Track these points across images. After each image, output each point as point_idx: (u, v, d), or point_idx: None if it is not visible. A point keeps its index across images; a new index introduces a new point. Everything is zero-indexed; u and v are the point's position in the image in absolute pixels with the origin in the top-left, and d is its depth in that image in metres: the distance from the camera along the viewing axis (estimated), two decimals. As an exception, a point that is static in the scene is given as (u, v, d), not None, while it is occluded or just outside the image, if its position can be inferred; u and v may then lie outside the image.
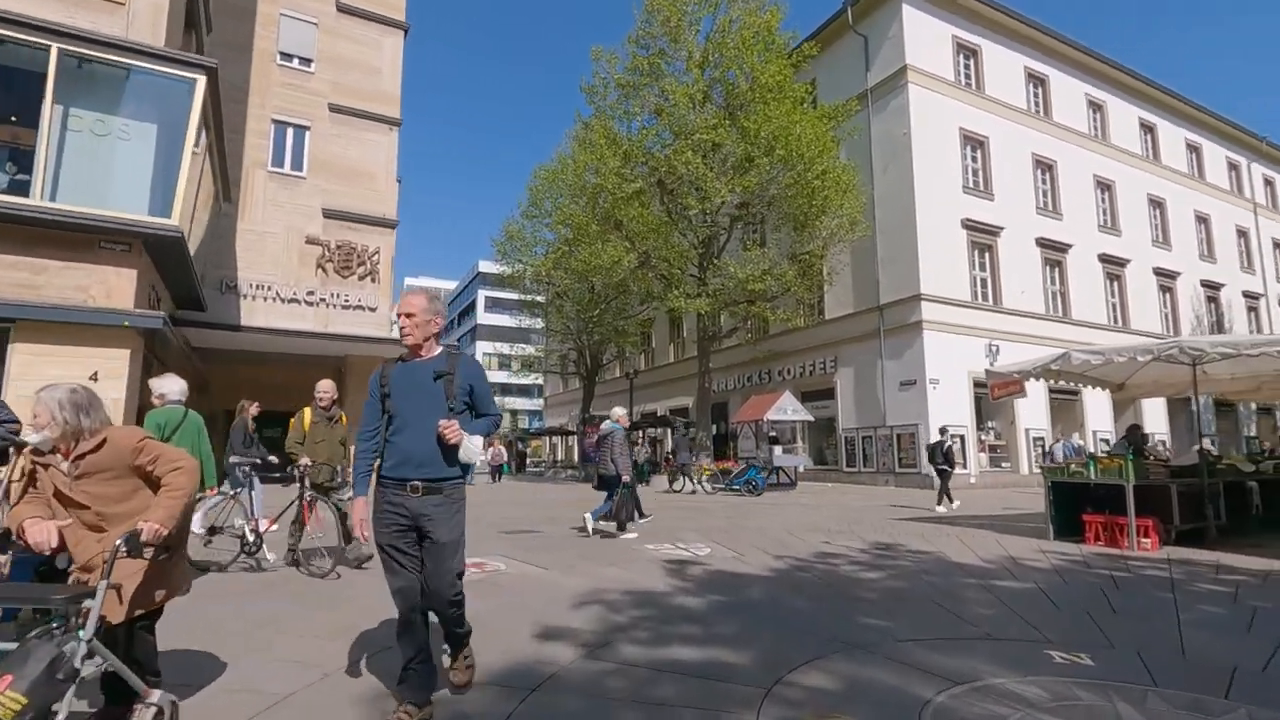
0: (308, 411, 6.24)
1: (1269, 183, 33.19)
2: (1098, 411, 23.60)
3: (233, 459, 7.02)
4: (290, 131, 19.13)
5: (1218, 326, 28.38)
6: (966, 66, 23.05)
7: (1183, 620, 4.44)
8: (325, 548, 6.13)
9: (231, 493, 6.58)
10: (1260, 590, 5.44)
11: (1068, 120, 25.10)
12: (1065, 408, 23.03)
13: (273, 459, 6.97)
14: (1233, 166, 31.50)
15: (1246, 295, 30.31)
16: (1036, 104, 24.62)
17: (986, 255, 22.10)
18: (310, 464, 6.00)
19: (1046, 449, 19.62)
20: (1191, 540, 8.05)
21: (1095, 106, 26.33)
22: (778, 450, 17.45)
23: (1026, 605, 4.84)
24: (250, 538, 6.08)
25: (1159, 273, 26.74)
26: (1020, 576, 5.92)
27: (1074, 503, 8.36)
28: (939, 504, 12.43)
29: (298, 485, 6.11)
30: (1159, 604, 4.95)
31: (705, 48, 18.72)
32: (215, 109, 13.11)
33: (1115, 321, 24.97)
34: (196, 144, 12.83)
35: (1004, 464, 21.46)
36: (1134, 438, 10.12)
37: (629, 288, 26.04)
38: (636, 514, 9.27)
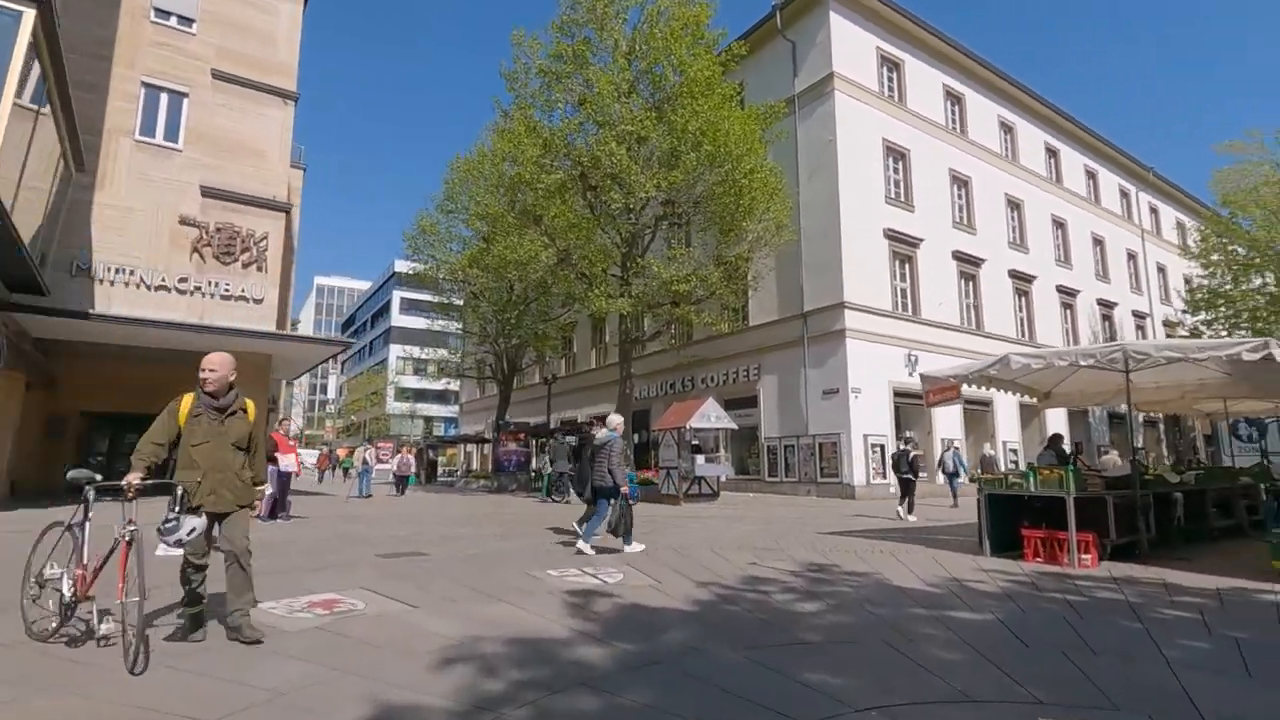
0: (187, 399, 4.08)
1: (1154, 210, 35.63)
2: (1007, 422, 24.23)
3: (73, 473, 4.09)
4: (165, 97, 16.95)
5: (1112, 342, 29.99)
6: (890, 79, 23.29)
7: (1171, 660, 3.76)
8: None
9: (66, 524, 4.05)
10: (1225, 616, 4.92)
11: (982, 139, 25.87)
12: (977, 418, 23.49)
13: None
14: (1124, 194, 33.58)
15: (1135, 315, 32.24)
16: (954, 121, 25.23)
17: (907, 266, 22.28)
18: (142, 478, 3.72)
19: (938, 459, 19.63)
20: (1125, 555, 7.70)
21: (1006, 128, 27.31)
22: (700, 459, 16.67)
23: (992, 644, 4.07)
24: (68, 594, 3.86)
25: (1061, 290, 27.94)
26: (973, 604, 5.20)
27: (1008, 515, 7.87)
28: (907, 513, 12.88)
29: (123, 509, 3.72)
30: (1132, 637, 4.30)
31: (632, 38, 17.89)
32: (55, 56, 11.12)
33: (1023, 335, 25.81)
34: (35, 97, 10.89)
35: (921, 474, 21.52)
36: (1057, 447, 9.87)
37: (549, 288, 24.86)
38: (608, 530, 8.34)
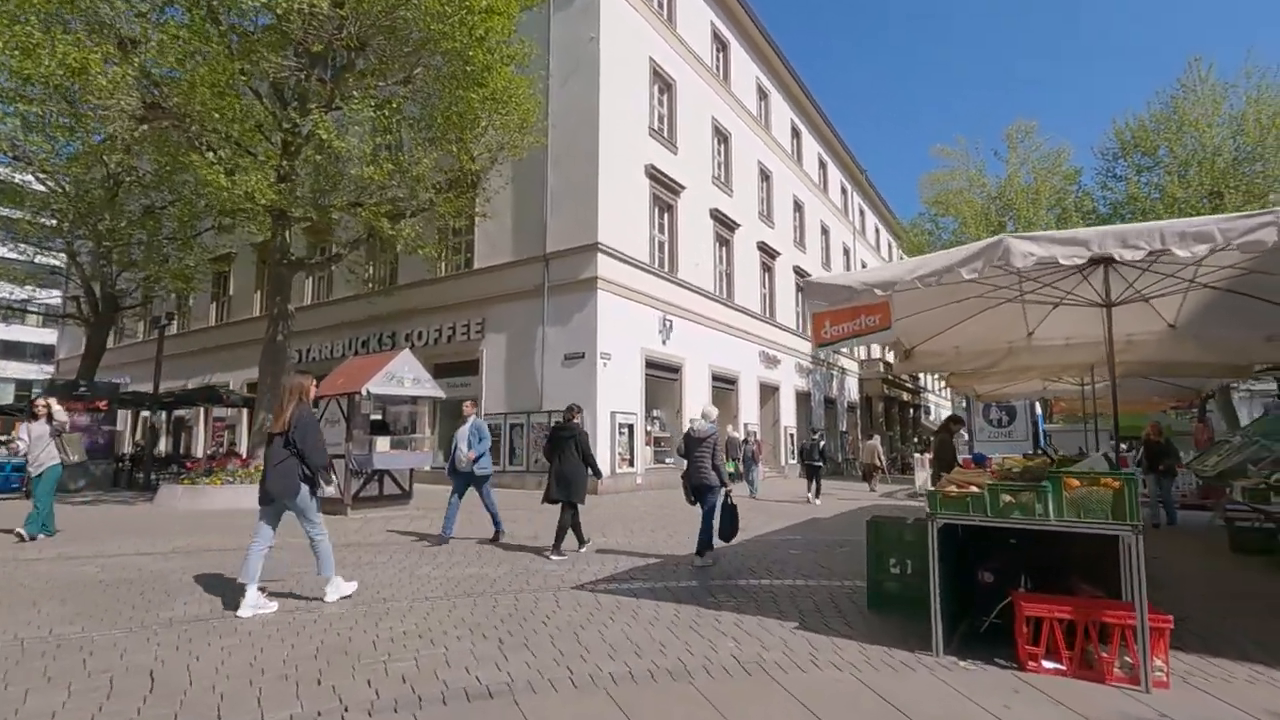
0: None
1: (863, 212, 38.41)
2: (749, 402, 22.52)
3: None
4: None
5: (829, 330, 30.80)
6: (661, -8, 19.67)
7: None
8: None
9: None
10: None
11: (742, 97, 23.84)
12: (723, 396, 21.20)
13: None
14: (844, 190, 35.31)
15: (846, 306, 33.97)
16: (719, 68, 22.69)
17: (667, 216, 18.91)
18: None
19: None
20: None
21: (763, 94, 25.84)
22: (382, 443, 10.87)
23: None
24: None
25: (798, 272, 27.54)
26: None
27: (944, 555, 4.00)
28: (814, 497, 13.91)
29: None
30: None
31: None
32: None
33: (767, 313, 24.56)
34: None
35: (669, 460, 18.42)
36: (951, 431, 6.53)
37: (182, 193, 16.53)
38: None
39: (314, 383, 5.06)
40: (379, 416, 11.22)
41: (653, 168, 17.88)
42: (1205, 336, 5.85)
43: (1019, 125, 25.90)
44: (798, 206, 28.34)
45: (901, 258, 30.32)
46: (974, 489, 3.72)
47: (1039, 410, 15.54)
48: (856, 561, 6.53)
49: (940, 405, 53.11)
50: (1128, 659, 3.35)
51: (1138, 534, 3.29)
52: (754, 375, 22.71)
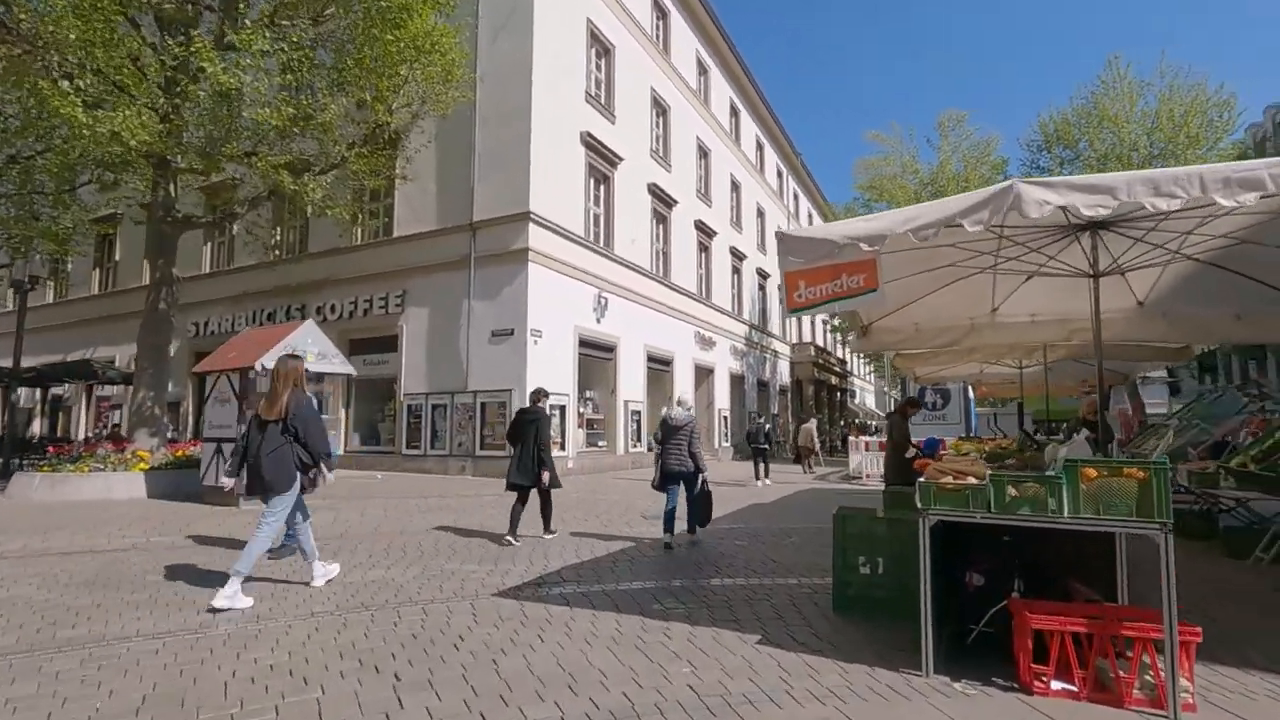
0: None
1: (797, 196, 38.53)
2: (684, 384, 22.02)
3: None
4: None
5: (763, 316, 30.80)
6: (600, -51, 18.58)
7: None
8: None
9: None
10: None
11: (682, 69, 23.08)
12: (657, 378, 20.64)
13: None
14: (780, 174, 35.22)
15: (780, 290, 34.04)
16: (659, 37, 21.83)
17: (604, 188, 18.02)
18: None
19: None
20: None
21: (703, 68, 25.15)
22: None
23: None
24: None
25: (734, 253, 27.23)
26: None
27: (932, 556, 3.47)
28: (761, 479, 14.12)
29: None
30: None
31: None
32: None
33: (703, 293, 24.08)
34: None
35: (601, 443, 17.73)
36: (904, 414, 6.09)
37: (61, 149, 14.36)
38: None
39: (305, 366, 4.90)
40: (278, 395, 9.99)
41: (589, 135, 16.93)
42: (1174, 314, 5.58)
43: (950, 114, 26.40)
44: (735, 186, 27.94)
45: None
46: (972, 480, 3.16)
47: (971, 394, 15.74)
48: (807, 554, 6.04)
49: (865, 389, 54.66)
50: (1148, 678, 2.88)
51: (1168, 533, 2.79)
52: (689, 356, 22.25)
